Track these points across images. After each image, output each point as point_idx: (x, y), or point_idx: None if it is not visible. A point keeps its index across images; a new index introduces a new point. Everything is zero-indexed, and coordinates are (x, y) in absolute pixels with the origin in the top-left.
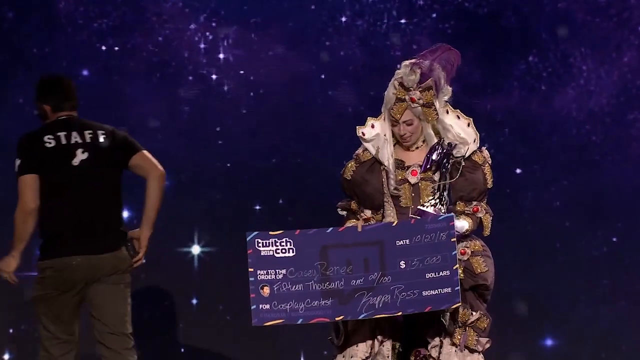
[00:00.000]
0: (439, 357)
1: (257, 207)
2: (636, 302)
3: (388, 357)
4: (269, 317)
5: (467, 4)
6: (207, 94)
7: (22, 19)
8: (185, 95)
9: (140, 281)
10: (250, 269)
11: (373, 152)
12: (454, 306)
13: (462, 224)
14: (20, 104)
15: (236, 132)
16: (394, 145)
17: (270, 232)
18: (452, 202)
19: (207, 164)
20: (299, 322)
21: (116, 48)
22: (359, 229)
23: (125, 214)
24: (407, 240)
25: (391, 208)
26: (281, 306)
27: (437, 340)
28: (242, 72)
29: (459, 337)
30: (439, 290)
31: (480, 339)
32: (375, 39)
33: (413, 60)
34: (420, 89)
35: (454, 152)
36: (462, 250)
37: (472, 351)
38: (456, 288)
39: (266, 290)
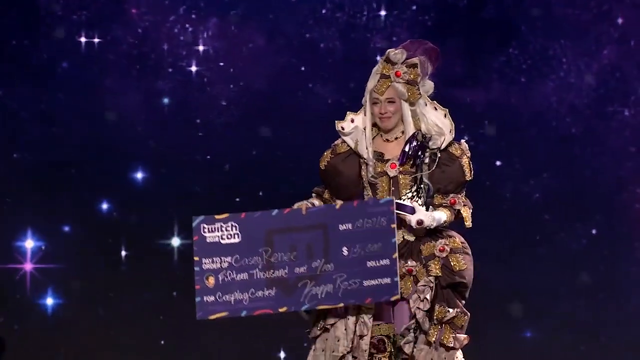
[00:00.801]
0: (412, 354)
1: (237, 199)
2: (615, 294)
3: (366, 351)
4: (214, 309)
5: None
6: (186, 86)
7: (1, 11)
8: (164, 87)
9: (121, 274)
10: (196, 258)
11: (352, 145)
12: (393, 298)
13: (440, 216)
14: None
15: (216, 124)
16: (373, 138)
17: (216, 216)
18: (432, 194)
19: (187, 156)
20: (243, 314)
21: (95, 40)
22: (304, 212)
23: (105, 206)
24: (350, 225)
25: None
26: (225, 297)
27: (411, 336)
28: (222, 64)
29: (434, 335)
30: (379, 280)
31: (457, 335)
32: (356, 31)
33: (399, 47)
34: (407, 65)
35: (430, 143)
36: (441, 247)
37: (448, 348)
38: (395, 279)
39: (211, 281)
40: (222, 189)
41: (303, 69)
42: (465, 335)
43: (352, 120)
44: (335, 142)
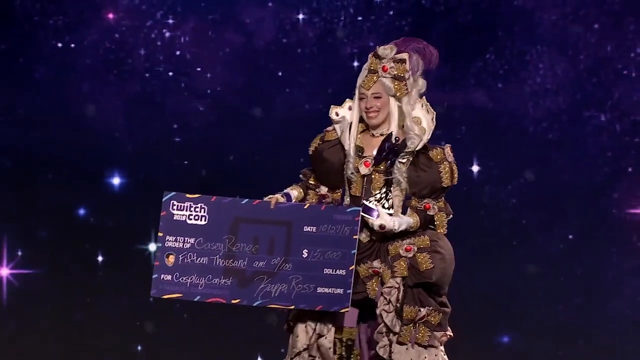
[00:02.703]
0: (390, 358)
1: None
2: (592, 298)
3: (330, 349)
4: (169, 289)
5: (424, 1)
6: (164, 91)
7: None
8: (141, 92)
9: (98, 279)
10: (160, 233)
11: (339, 133)
12: (342, 310)
13: (406, 220)
14: None
15: (193, 130)
16: (361, 132)
17: (187, 195)
18: (408, 196)
19: (164, 161)
20: (196, 299)
21: (72, 45)
22: (272, 206)
23: (81, 211)
24: (314, 228)
25: (347, 193)
26: (182, 279)
27: (385, 340)
28: (199, 69)
29: (407, 336)
30: (332, 289)
31: (434, 333)
32: (332, 36)
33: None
34: (394, 60)
35: (408, 143)
36: (407, 247)
37: (427, 347)
38: (348, 291)
39: (171, 259)
40: (199, 193)
41: (280, 74)
42: (443, 332)
43: (350, 108)
44: (327, 128)
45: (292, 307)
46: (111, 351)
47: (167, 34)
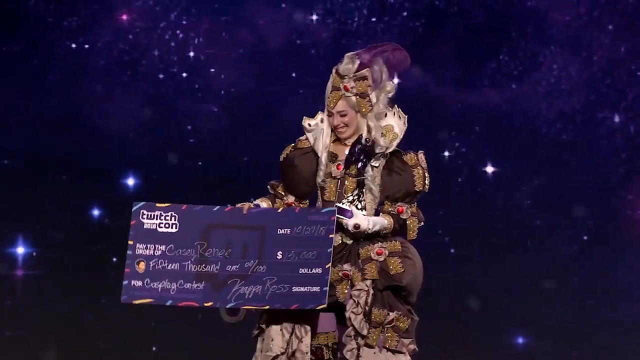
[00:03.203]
0: None
1: (228, 206)
2: (606, 300)
3: (307, 353)
4: (139, 294)
5: (438, 2)
6: (178, 92)
7: None
8: (155, 93)
9: (112, 280)
10: (130, 242)
11: (312, 141)
12: (319, 307)
13: (380, 221)
14: None
15: (207, 131)
16: (333, 141)
17: (157, 204)
18: (381, 200)
19: (178, 163)
20: (168, 303)
21: (86, 46)
22: (245, 212)
23: (96, 212)
24: (288, 230)
25: (319, 200)
26: (153, 284)
27: (353, 343)
28: (212, 70)
29: (375, 339)
30: (309, 288)
31: (402, 339)
32: (346, 37)
33: (355, 52)
34: (355, 78)
35: (376, 149)
36: (379, 251)
37: (394, 352)
38: (324, 288)
39: (141, 266)
40: (213, 195)
41: (294, 75)
42: (411, 340)
43: (322, 121)
44: (300, 138)
45: (267, 307)
46: (126, 352)
47: (181, 35)
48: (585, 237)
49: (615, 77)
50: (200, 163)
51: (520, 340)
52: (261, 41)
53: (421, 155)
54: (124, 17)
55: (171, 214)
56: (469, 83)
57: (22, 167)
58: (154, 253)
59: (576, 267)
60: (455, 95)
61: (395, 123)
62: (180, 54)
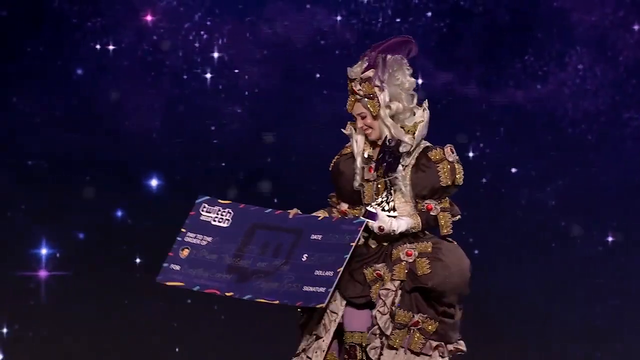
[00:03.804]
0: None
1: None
2: (631, 301)
3: (324, 351)
4: (173, 277)
5: (463, 3)
6: (201, 93)
7: (15, 17)
8: (179, 94)
9: (135, 281)
10: (183, 230)
11: (353, 146)
12: (318, 306)
13: (404, 222)
14: (14, 103)
15: (231, 132)
16: (371, 143)
17: (220, 200)
18: (414, 200)
19: (202, 163)
20: (195, 289)
21: (110, 47)
22: (291, 216)
23: (119, 213)
24: (321, 236)
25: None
26: (189, 271)
27: (377, 342)
28: (237, 70)
29: (397, 340)
30: (316, 288)
31: (430, 342)
32: (371, 37)
33: (366, 52)
34: (361, 80)
35: (400, 148)
36: (408, 252)
37: (418, 354)
38: (329, 290)
39: (185, 252)
40: (236, 196)
41: (318, 75)
42: (438, 343)
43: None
44: (347, 144)
45: (277, 302)
46: (149, 353)
47: (205, 36)
48: (610, 239)
49: None
50: (223, 164)
51: (544, 340)
52: (285, 42)
53: (448, 150)
54: (148, 17)
55: (228, 211)
56: (494, 83)
57: (44, 167)
58: (200, 243)
59: (601, 267)
60: (480, 95)
61: (422, 118)
62: (204, 54)
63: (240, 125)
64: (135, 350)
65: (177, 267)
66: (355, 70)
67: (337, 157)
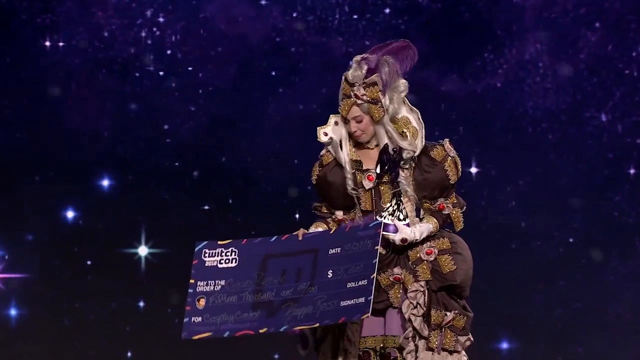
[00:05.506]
0: None
1: (206, 207)
2: (592, 302)
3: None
4: (199, 330)
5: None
6: (154, 91)
7: None
8: (131, 92)
9: (86, 283)
10: (192, 280)
11: (333, 154)
12: (363, 317)
13: (426, 227)
14: None
15: (184, 130)
16: (354, 146)
17: (219, 242)
18: (419, 200)
19: (155, 163)
20: (226, 335)
21: (61, 44)
22: (300, 238)
23: (70, 214)
24: (339, 249)
25: (357, 210)
26: (212, 319)
27: (412, 345)
28: (190, 68)
29: (435, 341)
30: (355, 300)
31: (459, 338)
32: (327, 34)
33: (363, 55)
34: (365, 85)
35: (403, 155)
36: (428, 250)
37: (452, 352)
38: (369, 298)
39: (202, 302)
40: (191, 196)
41: (273, 73)
42: (467, 337)
43: (336, 123)
44: (321, 153)
45: (317, 324)
46: (100, 356)
47: (157, 33)
48: (571, 240)
49: (602, 76)
50: (177, 163)
51: (505, 344)
52: (240, 39)
53: (447, 145)
54: (100, 14)
55: (231, 250)
56: (452, 81)
57: None
58: (214, 289)
59: (562, 269)
60: (438, 94)
61: (411, 116)
62: (157, 51)
63: (194, 124)
64: (87, 354)
65: (199, 319)
66: (355, 74)
67: (318, 168)
